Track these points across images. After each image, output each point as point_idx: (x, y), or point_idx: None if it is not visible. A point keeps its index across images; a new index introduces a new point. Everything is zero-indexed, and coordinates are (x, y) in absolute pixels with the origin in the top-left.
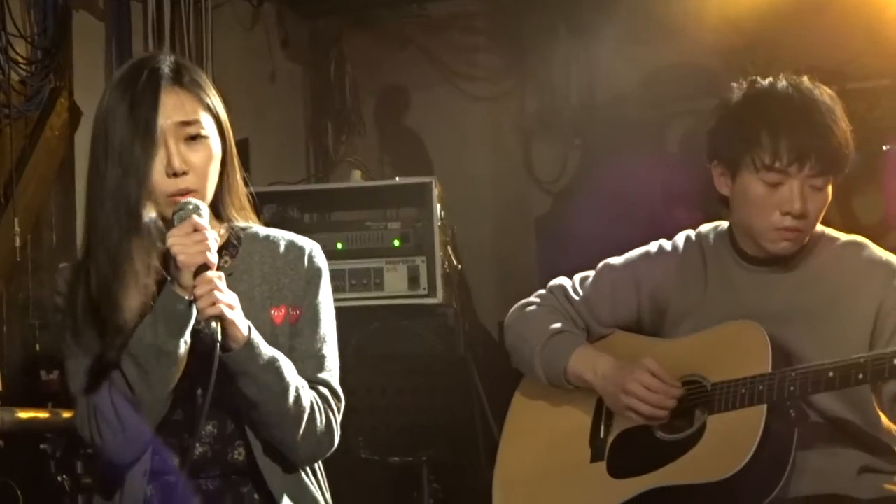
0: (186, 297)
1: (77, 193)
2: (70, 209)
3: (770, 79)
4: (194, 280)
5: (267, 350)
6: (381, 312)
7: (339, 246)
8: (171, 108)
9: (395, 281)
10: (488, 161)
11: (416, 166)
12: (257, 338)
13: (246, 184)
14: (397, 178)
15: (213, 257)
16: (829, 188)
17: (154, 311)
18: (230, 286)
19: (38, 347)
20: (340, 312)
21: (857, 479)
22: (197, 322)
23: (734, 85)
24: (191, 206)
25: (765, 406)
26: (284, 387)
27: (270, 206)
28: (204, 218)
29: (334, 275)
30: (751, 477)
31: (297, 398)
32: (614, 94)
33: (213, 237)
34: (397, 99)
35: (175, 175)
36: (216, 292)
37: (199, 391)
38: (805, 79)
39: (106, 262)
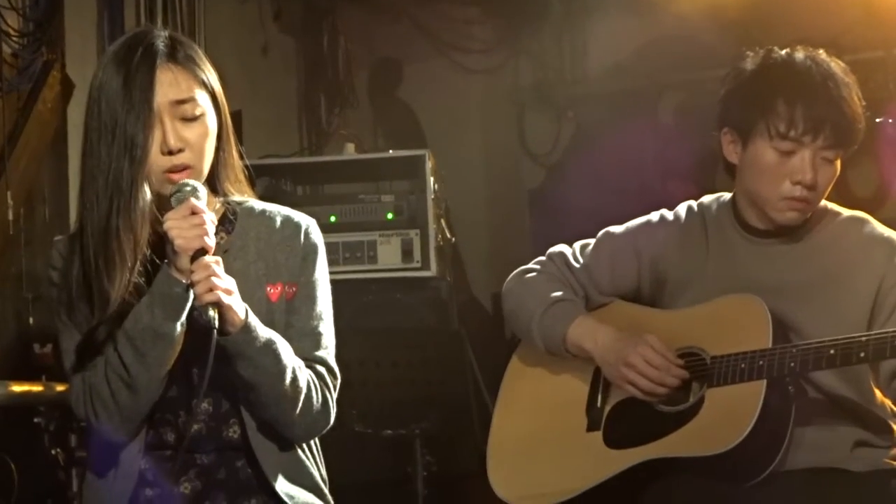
0: (184, 281)
1: (70, 166)
2: (63, 182)
3: (787, 49)
4: (191, 264)
5: (264, 332)
6: (374, 285)
7: (333, 219)
8: (167, 85)
9: (389, 254)
10: (481, 134)
11: (410, 139)
12: (254, 321)
13: (241, 157)
14: (390, 151)
15: (211, 241)
16: (839, 162)
17: (151, 293)
18: (226, 263)
19: (31, 321)
20: (334, 286)
21: (852, 454)
22: (194, 303)
23: (748, 53)
24: (188, 188)
25: (764, 381)
26: (281, 368)
27: (263, 180)
28: (202, 200)
29: (328, 248)
30: (748, 451)
31: (294, 379)
32: (607, 66)
33: (211, 219)
34: (390, 71)
35: (171, 153)
36: (213, 278)
37: (195, 370)
38: (822, 51)
39: (96, 240)
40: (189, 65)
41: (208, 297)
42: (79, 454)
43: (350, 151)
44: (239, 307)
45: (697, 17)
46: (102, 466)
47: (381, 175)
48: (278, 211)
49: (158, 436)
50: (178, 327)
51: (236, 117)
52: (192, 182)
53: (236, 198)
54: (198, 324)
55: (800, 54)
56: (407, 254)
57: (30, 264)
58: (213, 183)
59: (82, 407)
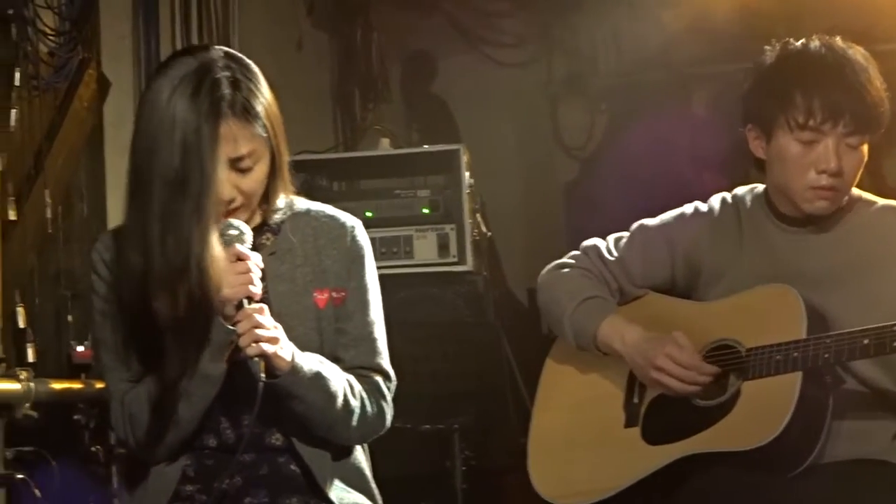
0: (229, 327)
1: (106, 164)
2: (99, 179)
3: (803, 40)
4: (237, 312)
5: (310, 366)
6: (411, 280)
7: (369, 214)
8: (227, 143)
9: (425, 249)
10: (515, 128)
11: (443, 133)
12: (300, 360)
13: None
14: (426, 146)
15: (257, 288)
16: (865, 148)
17: (196, 337)
18: (272, 266)
19: (70, 319)
20: None
21: (893, 444)
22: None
23: (766, 48)
24: (234, 233)
25: (800, 373)
26: (332, 398)
27: (299, 176)
28: (247, 244)
29: None
30: (786, 444)
31: (346, 402)
32: (640, 58)
33: (257, 263)
34: (424, 66)
35: (224, 203)
36: (259, 330)
37: (246, 419)
38: (838, 39)
39: (163, 283)
40: (248, 117)
41: (253, 351)
42: (118, 451)
43: (385, 146)
44: (286, 352)
45: (729, 9)
46: (144, 465)
47: (417, 170)
48: (323, 211)
49: (200, 440)
50: (223, 366)
51: None
52: (238, 224)
53: (281, 199)
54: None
55: (815, 43)
56: (443, 248)
57: (68, 262)
58: (265, 194)
59: (122, 432)
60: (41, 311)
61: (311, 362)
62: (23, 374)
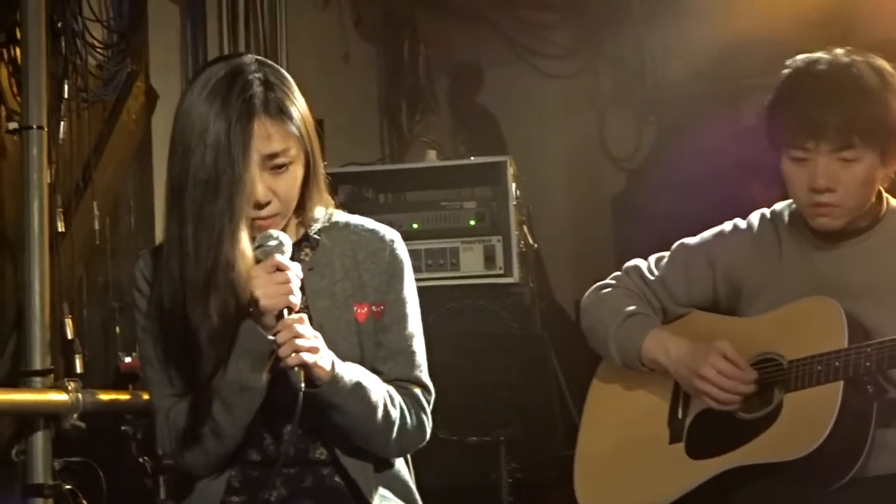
0: (269, 337)
1: (154, 176)
2: (147, 192)
3: (815, 54)
4: (276, 323)
5: (350, 377)
6: (457, 292)
7: (415, 226)
8: (260, 140)
9: (471, 260)
10: (563, 139)
11: (490, 145)
12: (341, 370)
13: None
14: (472, 158)
15: (296, 298)
16: (871, 158)
17: (236, 348)
18: (312, 280)
19: (118, 330)
20: (417, 293)
21: None
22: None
23: (787, 62)
24: (273, 244)
25: (841, 382)
26: (372, 409)
27: (346, 188)
28: (287, 253)
29: (411, 255)
30: (829, 454)
31: (386, 413)
32: (688, 69)
33: (297, 272)
34: (470, 77)
35: (259, 205)
36: (299, 340)
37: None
38: (845, 50)
39: (194, 290)
40: (280, 116)
41: (293, 361)
42: (165, 462)
43: (432, 158)
44: (325, 361)
45: (778, 19)
46: (191, 477)
47: (463, 182)
48: (363, 224)
49: (245, 454)
50: (264, 377)
51: (318, 126)
52: (277, 234)
53: (319, 212)
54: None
55: (814, 57)
56: (489, 260)
57: (116, 274)
58: (302, 204)
59: (168, 447)
60: (89, 323)
61: (351, 372)
62: (71, 385)
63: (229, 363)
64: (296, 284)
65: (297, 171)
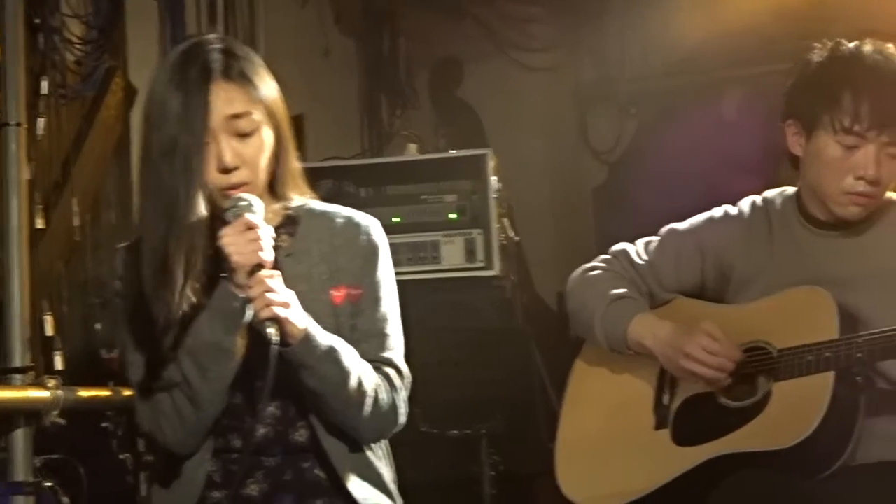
0: (241, 295)
1: (133, 172)
2: (127, 188)
3: (855, 42)
4: (248, 280)
5: (325, 340)
6: (438, 285)
7: (396, 220)
8: (221, 102)
9: (452, 254)
10: (544, 132)
11: (471, 138)
12: (315, 330)
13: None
14: (452, 151)
15: (268, 255)
16: None
17: (209, 308)
18: (290, 266)
19: (98, 326)
20: (398, 286)
21: None
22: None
23: (816, 45)
24: (244, 203)
25: (832, 373)
26: (345, 375)
27: (326, 182)
28: (258, 214)
29: (391, 249)
30: (818, 444)
31: (359, 384)
32: (669, 61)
33: (268, 233)
34: (451, 71)
35: (227, 171)
36: (270, 294)
37: (259, 383)
38: (890, 45)
39: (152, 257)
40: (242, 81)
41: (265, 314)
42: (146, 458)
43: (412, 152)
44: (298, 318)
45: (758, 11)
46: (170, 470)
47: (444, 175)
48: (340, 212)
49: (226, 441)
50: (238, 340)
51: (298, 121)
52: (247, 196)
53: (297, 201)
54: (260, 334)
55: (868, 47)
56: (470, 253)
57: (96, 270)
58: (274, 188)
59: (147, 423)
60: (69, 319)
61: (326, 337)
62: (51, 382)
63: (203, 324)
64: (267, 243)
65: (266, 139)
